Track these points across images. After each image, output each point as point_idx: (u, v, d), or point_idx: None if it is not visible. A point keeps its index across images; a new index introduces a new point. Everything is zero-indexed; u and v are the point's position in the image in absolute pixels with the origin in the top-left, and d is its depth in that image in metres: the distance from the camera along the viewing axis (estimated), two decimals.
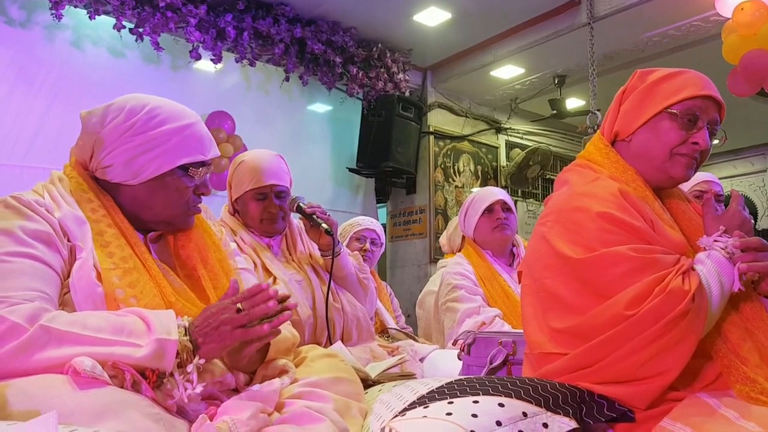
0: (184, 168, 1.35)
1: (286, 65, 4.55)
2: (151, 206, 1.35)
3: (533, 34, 4.82)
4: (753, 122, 6.00)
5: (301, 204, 2.09)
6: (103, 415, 0.93)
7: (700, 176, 2.57)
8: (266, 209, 2.10)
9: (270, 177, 2.09)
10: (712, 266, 1.23)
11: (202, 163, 1.38)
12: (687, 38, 4.55)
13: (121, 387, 1.02)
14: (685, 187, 2.49)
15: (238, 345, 1.19)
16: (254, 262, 2.02)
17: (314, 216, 2.06)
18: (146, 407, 0.99)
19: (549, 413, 1.12)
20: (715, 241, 1.28)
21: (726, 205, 1.39)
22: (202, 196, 1.42)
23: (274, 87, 4.77)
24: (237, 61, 4.33)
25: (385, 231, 5.86)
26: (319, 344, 1.95)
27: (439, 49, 5.27)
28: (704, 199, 1.41)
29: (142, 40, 3.87)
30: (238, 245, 2.03)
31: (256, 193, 2.10)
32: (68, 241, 1.23)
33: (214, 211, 1.93)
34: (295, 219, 2.26)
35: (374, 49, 4.97)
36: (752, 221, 1.38)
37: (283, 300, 1.20)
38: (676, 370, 1.17)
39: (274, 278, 2.00)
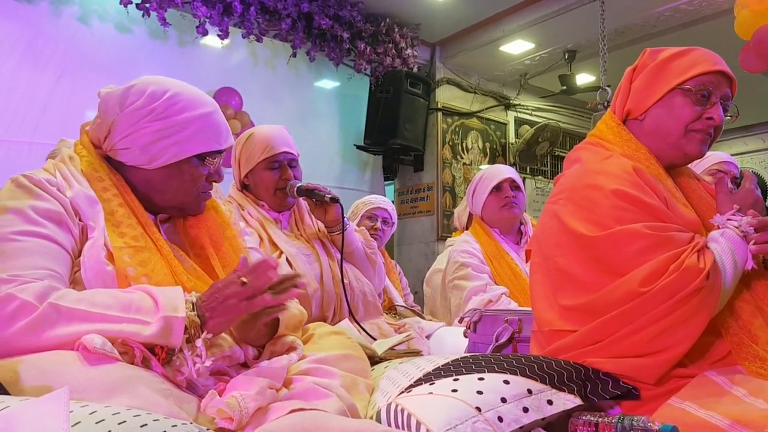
0: (200, 157, 1.35)
1: (293, 41, 4.51)
2: (163, 191, 1.35)
3: (543, 8, 4.75)
4: (764, 99, 5.92)
5: (300, 186, 2.09)
6: (113, 390, 0.94)
7: (718, 156, 2.53)
8: (282, 177, 2.11)
9: (281, 145, 2.11)
10: (726, 244, 1.24)
11: (218, 152, 1.38)
12: (699, 13, 4.48)
13: (132, 363, 1.03)
14: (703, 165, 2.47)
15: (247, 318, 1.21)
16: (260, 237, 2.03)
17: (317, 191, 2.07)
18: (156, 383, 1.01)
19: (554, 390, 1.13)
20: (728, 219, 1.29)
21: (739, 185, 1.39)
22: (213, 183, 1.43)
23: (281, 63, 4.74)
24: (244, 37, 4.30)
25: None
26: (326, 318, 1.97)
27: (447, 24, 5.21)
28: (717, 178, 1.41)
29: (148, 15, 3.85)
30: (245, 220, 2.04)
31: (269, 162, 2.10)
32: (80, 220, 1.24)
33: (222, 188, 1.94)
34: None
35: (382, 24, 4.92)
36: (764, 201, 1.38)
37: (292, 278, 1.22)
38: (685, 344, 1.18)
39: (281, 252, 2.01)
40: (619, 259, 1.24)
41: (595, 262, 1.28)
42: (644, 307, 1.18)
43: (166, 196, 1.36)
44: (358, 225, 3.12)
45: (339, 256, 2.11)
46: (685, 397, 1.14)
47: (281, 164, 2.12)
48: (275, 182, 2.11)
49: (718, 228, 1.30)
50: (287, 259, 1.98)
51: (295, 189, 2.09)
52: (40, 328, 1.03)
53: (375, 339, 1.96)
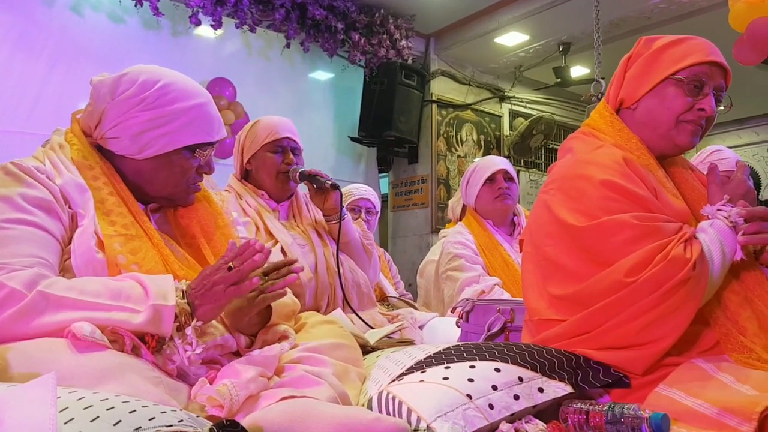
0: (191, 149, 1.34)
1: (287, 31, 4.49)
2: (153, 181, 1.34)
3: None
4: (758, 91, 5.93)
5: (303, 171, 2.11)
6: (103, 378, 0.94)
7: (725, 153, 2.48)
8: (284, 161, 2.13)
9: (286, 131, 2.15)
10: (715, 235, 1.24)
11: (209, 144, 1.37)
12: (694, 5, 4.48)
13: (121, 351, 1.03)
14: (705, 158, 2.45)
15: (240, 307, 1.20)
16: (257, 226, 2.03)
17: (319, 177, 2.08)
18: (146, 371, 1.01)
19: (544, 378, 1.13)
20: (718, 209, 1.28)
21: None
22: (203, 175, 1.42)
23: (275, 54, 4.72)
24: (237, 27, 4.27)
25: (386, 201, 5.87)
26: (319, 308, 1.98)
27: (442, 15, 5.20)
28: (709, 167, 1.40)
29: (141, 5, 3.83)
30: (242, 209, 2.05)
31: (273, 145, 2.13)
32: (69, 208, 1.24)
33: (215, 178, 1.93)
34: (301, 192, 2.27)
35: (376, 14, 4.90)
36: (755, 191, 1.38)
37: (289, 264, 1.23)
38: (673, 336, 1.18)
39: (275, 241, 2.01)
40: (606, 249, 1.24)
41: (583, 251, 1.28)
42: (631, 297, 1.18)
43: (156, 186, 1.35)
44: None
45: (335, 246, 2.11)
46: (672, 384, 1.14)
47: (284, 149, 2.14)
48: (278, 165, 2.13)
49: (708, 218, 1.30)
50: (282, 249, 1.99)
51: (298, 173, 2.11)
52: (28, 316, 1.02)
53: (372, 327, 1.97)
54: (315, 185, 2.11)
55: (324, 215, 2.19)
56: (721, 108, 1.45)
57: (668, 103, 1.38)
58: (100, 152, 1.34)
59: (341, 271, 2.05)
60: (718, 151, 2.47)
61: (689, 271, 1.16)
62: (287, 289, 1.47)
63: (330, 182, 2.08)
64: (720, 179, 1.37)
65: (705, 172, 1.58)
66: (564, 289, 1.29)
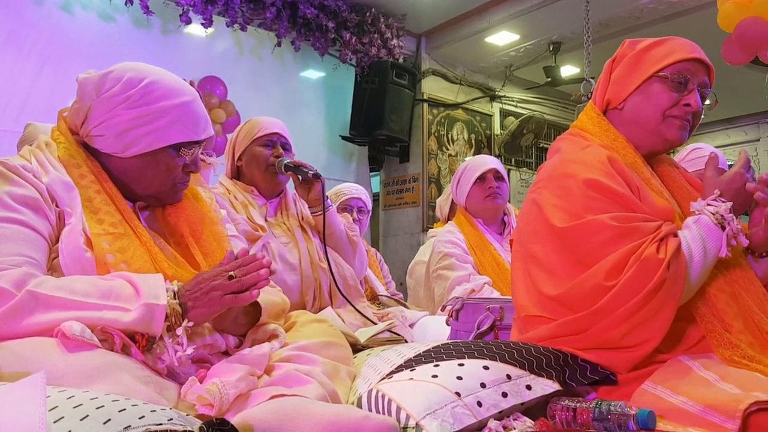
0: (176, 147, 1.33)
1: (278, 30, 4.49)
2: (139, 180, 1.33)
3: None
4: (746, 91, 5.96)
5: (287, 162, 2.14)
6: (93, 377, 0.94)
7: (706, 150, 2.47)
8: (273, 154, 2.16)
9: (276, 127, 2.20)
10: (698, 231, 1.24)
11: (195, 142, 1.36)
12: (683, 5, 4.52)
13: (111, 350, 1.03)
14: (684, 157, 2.45)
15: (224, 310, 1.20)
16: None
17: (302, 167, 2.12)
18: (136, 370, 1.01)
19: (532, 376, 1.14)
20: (707, 204, 1.28)
21: None
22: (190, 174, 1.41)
23: (266, 52, 4.72)
24: (228, 26, 4.27)
25: (378, 200, 5.88)
26: (305, 303, 1.99)
27: (433, 15, 5.21)
28: (708, 158, 1.39)
29: (131, 3, 3.82)
30: (231, 204, 2.06)
31: (263, 140, 2.16)
32: (56, 206, 1.23)
33: (206, 176, 1.94)
34: (291, 191, 2.29)
35: (368, 13, 4.91)
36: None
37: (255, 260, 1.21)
38: (657, 338, 1.19)
39: (263, 228, 2.03)
40: (586, 250, 1.25)
41: (565, 251, 1.29)
42: (612, 304, 1.18)
43: (142, 185, 1.34)
44: None
45: (319, 240, 2.13)
46: (657, 381, 1.15)
47: (274, 143, 2.17)
48: (267, 159, 2.15)
49: (696, 213, 1.29)
50: (263, 245, 2.01)
51: (283, 164, 2.13)
52: (18, 315, 1.02)
53: (365, 316, 1.98)
54: (299, 176, 2.14)
55: (309, 207, 2.21)
56: (707, 104, 1.46)
57: (654, 100, 1.40)
58: (87, 150, 1.33)
59: (326, 266, 2.06)
60: (698, 149, 2.48)
61: (663, 271, 1.16)
62: (278, 288, 1.48)
63: (313, 172, 2.11)
64: (718, 171, 1.36)
65: (689, 171, 1.59)
66: (549, 289, 1.30)
